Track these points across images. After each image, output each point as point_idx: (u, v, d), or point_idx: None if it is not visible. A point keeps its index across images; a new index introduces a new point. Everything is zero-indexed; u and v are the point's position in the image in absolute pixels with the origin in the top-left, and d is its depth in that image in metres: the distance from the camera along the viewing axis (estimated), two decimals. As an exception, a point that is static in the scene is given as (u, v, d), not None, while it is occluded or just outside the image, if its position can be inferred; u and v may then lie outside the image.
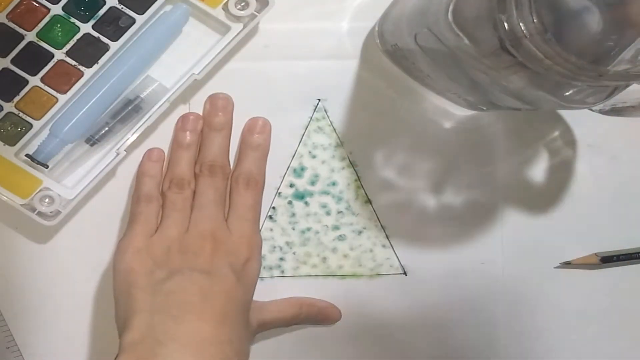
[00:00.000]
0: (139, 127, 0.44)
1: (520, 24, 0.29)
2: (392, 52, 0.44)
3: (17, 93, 0.43)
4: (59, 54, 0.43)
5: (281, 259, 0.48)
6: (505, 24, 0.30)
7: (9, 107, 0.43)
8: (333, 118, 0.47)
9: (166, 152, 0.46)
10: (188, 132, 0.45)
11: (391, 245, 0.48)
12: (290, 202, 0.47)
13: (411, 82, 0.46)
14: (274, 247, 0.48)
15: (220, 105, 0.45)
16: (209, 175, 0.44)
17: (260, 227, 0.47)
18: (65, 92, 0.43)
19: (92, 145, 0.44)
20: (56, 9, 0.43)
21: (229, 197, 0.45)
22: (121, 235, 0.45)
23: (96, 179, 0.43)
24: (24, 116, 0.43)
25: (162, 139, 0.46)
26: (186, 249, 0.42)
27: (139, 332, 0.39)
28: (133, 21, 0.43)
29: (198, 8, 0.44)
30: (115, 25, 0.43)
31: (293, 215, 0.47)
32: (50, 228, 0.44)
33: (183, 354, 0.38)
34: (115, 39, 0.43)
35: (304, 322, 0.47)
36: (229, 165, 0.46)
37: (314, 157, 0.47)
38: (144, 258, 0.42)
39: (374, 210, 0.48)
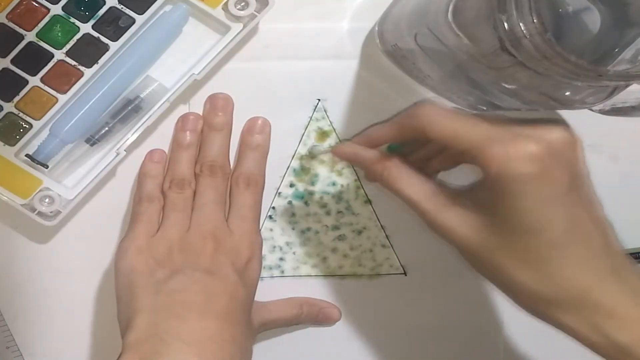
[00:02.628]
0: (139, 127, 0.44)
1: (520, 24, 0.29)
2: (392, 52, 0.44)
3: (17, 93, 0.43)
4: (59, 54, 0.43)
5: (281, 259, 0.48)
6: (505, 24, 0.30)
7: (9, 107, 0.43)
8: (333, 118, 0.47)
9: (166, 152, 0.46)
10: (188, 132, 0.45)
11: (391, 245, 0.48)
12: (290, 202, 0.47)
13: (411, 82, 0.46)
14: (274, 247, 0.48)
15: (220, 105, 0.45)
16: (209, 175, 0.44)
17: (260, 227, 0.47)
18: (65, 92, 0.43)
19: (92, 145, 0.44)
20: (56, 9, 0.43)
21: (229, 197, 0.45)
22: (122, 235, 0.45)
23: (96, 179, 0.43)
24: (24, 116, 0.43)
25: (162, 139, 0.46)
26: (187, 249, 0.42)
27: (142, 331, 0.39)
28: (133, 21, 0.43)
29: (198, 8, 0.44)
30: (115, 25, 0.43)
31: (293, 215, 0.47)
32: (50, 228, 0.44)
33: (186, 352, 0.38)
34: (115, 39, 0.43)
35: (305, 322, 0.47)
36: (229, 165, 0.46)
37: (314, 157, 0.47)
38: (146, 258, 0.42)
39: (374, 210, 0.48)
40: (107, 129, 0.44)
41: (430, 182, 0.37)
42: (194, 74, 0.43)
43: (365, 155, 0.38)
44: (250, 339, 0.43)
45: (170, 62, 0.45)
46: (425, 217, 0.36)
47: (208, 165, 0.44)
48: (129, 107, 0.44)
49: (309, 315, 0.47)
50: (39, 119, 0.43)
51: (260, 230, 0.46)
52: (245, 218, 0.44)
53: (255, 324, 0.44)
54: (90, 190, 0.43)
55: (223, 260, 0.42)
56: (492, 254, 0.34)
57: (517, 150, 0.32)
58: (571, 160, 0.33)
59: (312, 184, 0.47)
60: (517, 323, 0.48)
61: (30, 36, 0.43)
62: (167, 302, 0.40)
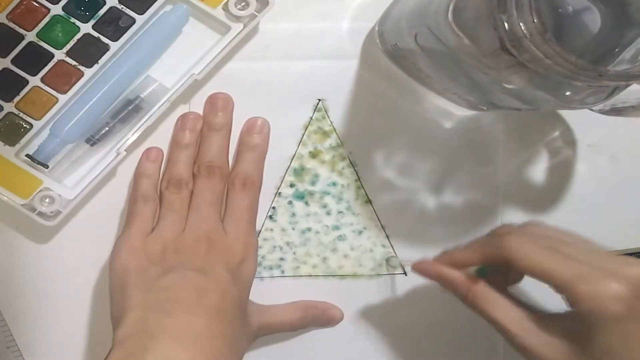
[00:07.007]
0: (139, 127, 0.44)
1: (521, 24, 0.29)
2: (392, 52, 0.44)
3: (18, 93, 0.43)
4: (59, 54, 0.43)
5: (281, 259, 0.48)
6: (506, 24, 0.30)
7: (9, 107, 0.43)
8: (333, 118, 0.47)
9: (166, 151, 0.46)
10: (187, 132, 0.45)
11: (391, 245, 0.48)
12: (290, 202, 0.47)
13: (411, 82, 0.46)
14: (274, 247, 0.48)
15: (220, 105, 0.45)
16: (206, 176, 0.44)
17: (260, 227, 0.47)
18: (65, 92, 0.43)
19: (92, 145, 0.44)
20: (56, 9, 0.43)
21: (226, 197, 0.45)
22: (121, 235, 0.45)
23: (96, 179, 0.43)
24: (24, 116, 0.43)
25: (162, 139, 0.46)
26: (181, 250, 0.42)
27: (131, 326, 0.39)
28: (133, 21, 0.43)
29: (198, 8, 0.44)
30: (115, 25, 0.43)
31: (293, 215, 0.47)
32: (51, 228, 0.44)
33: (173, 347, 0.38)
34: (115, 39, 0.43)
35: (310, 325, 0.47)
36: (228, 165, 0.46)
37: (314, 157, 0.47)
38: (140, 257, 0.42)
39: (374, 210, 0.48)
40: (107, 129, 0.44)
41: (517, 305, 0.39)
42: (194, 74, 0.43)
43: (452, 277, 0.40)
44: (244, 338, 0.43)
45: (170, 62, 0.45)
46: (514, 340, 0.38)
47: (206, 166, 0.44)
48: (129, 107, 0.44)
49: (314, 319, 0.47)
50: (39, 119, 0.43)
51: (260, 230, 0.46)
52: (240, 219, 0.44)
53: (254, 325, 0.44)
54: (90, 190, 0.43)
55: (216, 259, 0.42)
56: None
57: (605, 290, 0.34)
58: None
59: (313, 184, 0.47)
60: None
61: (30, 36, 0.43)
62: (157, 299, 0.40)
